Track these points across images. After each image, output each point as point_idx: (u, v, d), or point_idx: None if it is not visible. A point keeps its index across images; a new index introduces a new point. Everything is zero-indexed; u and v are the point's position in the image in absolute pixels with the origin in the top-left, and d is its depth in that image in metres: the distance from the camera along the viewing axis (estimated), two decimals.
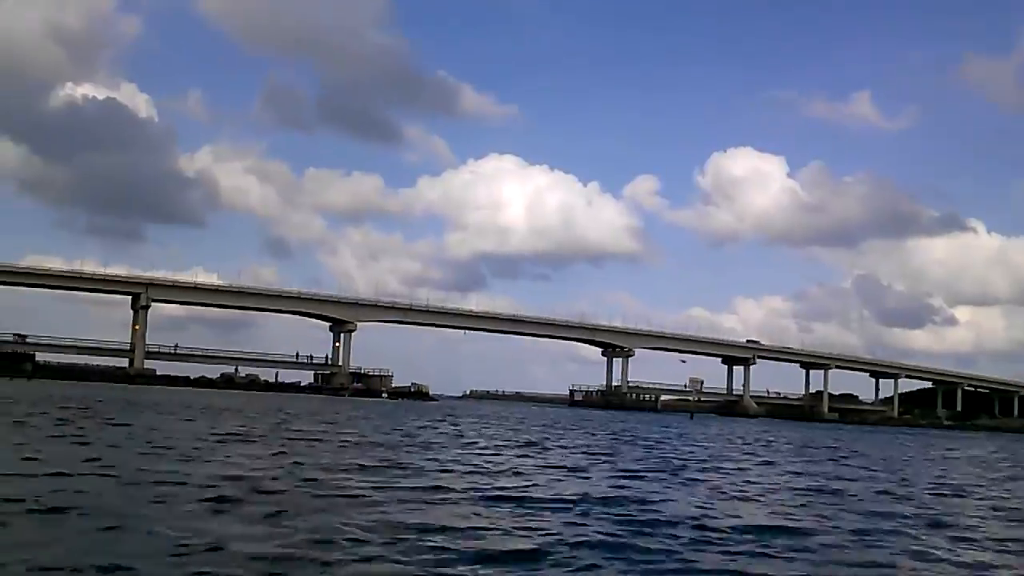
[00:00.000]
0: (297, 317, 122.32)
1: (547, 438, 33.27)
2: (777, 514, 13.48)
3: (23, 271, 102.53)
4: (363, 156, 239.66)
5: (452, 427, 38.00)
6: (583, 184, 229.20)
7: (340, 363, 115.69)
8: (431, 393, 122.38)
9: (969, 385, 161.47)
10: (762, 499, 15.65)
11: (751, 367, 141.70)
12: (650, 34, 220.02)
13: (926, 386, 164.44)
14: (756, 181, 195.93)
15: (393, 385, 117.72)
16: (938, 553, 10.81)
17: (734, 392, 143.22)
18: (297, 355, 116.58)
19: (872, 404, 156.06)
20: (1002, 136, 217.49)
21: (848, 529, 12.13)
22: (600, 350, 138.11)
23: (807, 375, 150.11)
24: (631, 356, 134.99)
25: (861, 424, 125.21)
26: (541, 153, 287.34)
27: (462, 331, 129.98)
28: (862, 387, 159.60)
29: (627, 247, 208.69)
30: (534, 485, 15.45)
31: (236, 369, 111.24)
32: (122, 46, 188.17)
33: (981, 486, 22.46)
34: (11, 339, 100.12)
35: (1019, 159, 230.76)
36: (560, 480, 16.96)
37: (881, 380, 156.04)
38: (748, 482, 18.98)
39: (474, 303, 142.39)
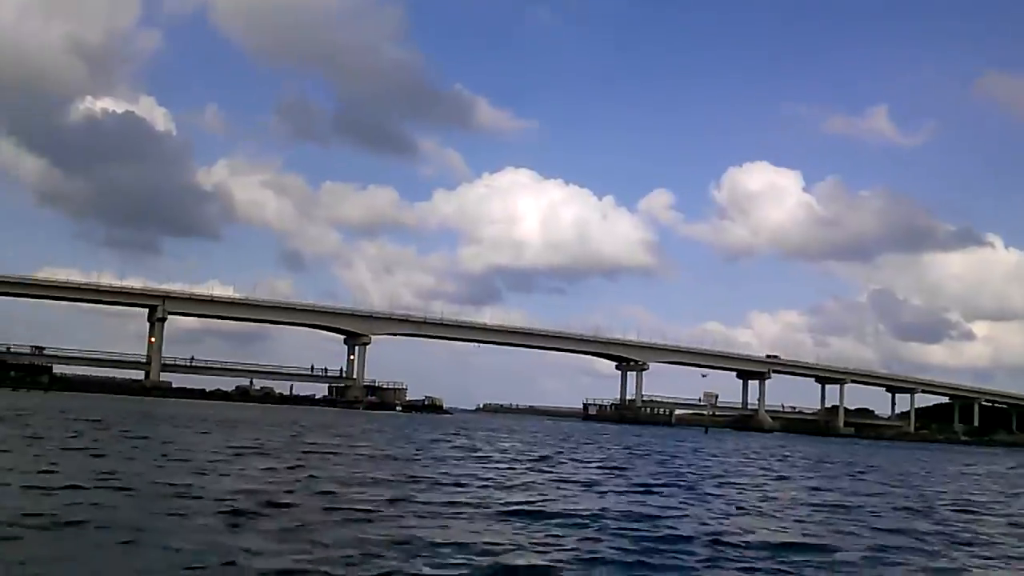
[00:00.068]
0: (312, 330, 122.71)
1: (561, 452, 33.18)
2: (794, 530, 13.39)
3: (41, 283, 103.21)
4: (379, 170, 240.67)
5: (466, 440, 37.96)
6: (598, 198, 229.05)
7: (354, 376, 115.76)
8: (445, 406, 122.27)
9: (987, 400, 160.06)
10: (779, 515, 15.56)
11: (766, 381, 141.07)
12: (666, 49, 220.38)
13: (943, 401, 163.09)
14: (772, 195, 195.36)
15: (407, 398, 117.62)
16: (956, 570, 10.71)
17: (749, 406, 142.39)
18: (312, 368, 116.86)
19: (888, 419, 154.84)
20: (1020, 151, 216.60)
21: (866, 545, 12.04)
22: (614, 364, 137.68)
23: (823, 390, 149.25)
24: (645, 370, 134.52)
25: (877, 439, 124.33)
26: (556, 167, 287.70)
27: (476, 344, 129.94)
28: (878, 402, 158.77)
29: (642, 261, 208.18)
30: (548, 500, 15.40)
31: (251, 382, 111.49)
32: (141, 60, 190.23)
33: (1000, 502, 22.25)
34: (28, 351, 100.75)
35: None
36: (574, 495, 16.90)
37: (897, 395, 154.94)
38: (764, 497, 18.86)
39: (488, 317, 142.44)
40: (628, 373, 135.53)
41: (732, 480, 23.99)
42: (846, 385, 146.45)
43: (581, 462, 27.60)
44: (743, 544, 11.49)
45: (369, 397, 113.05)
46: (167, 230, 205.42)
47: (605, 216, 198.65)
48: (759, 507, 16.68)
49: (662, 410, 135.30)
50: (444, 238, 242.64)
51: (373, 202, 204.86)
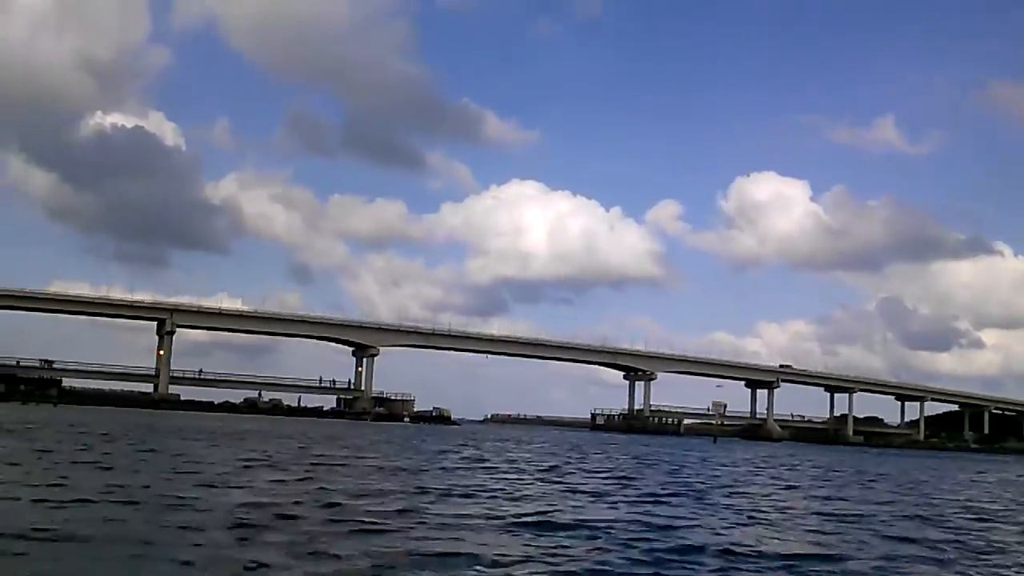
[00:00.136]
0: (320, 342, 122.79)
1: (569, 462, 33.10)
2: (806, 540, 13.32)
3: (51, 298, 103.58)
4: (386, 183, 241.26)
5: (474, 451, 37.90)
6: (605, 209, 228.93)
7: (362, 388, 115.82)
8: (453, 417, 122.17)
9: (996, 408, 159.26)
10: (789, 524, 15.48)
11: (775, 390, 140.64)
12: (671, 59, 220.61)
13: (953, 409, 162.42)
14: (779, 205, 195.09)
15: (415, 409, 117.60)
16: None
17: (758, 416, 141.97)
18: (320, 380, 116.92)
19: (898, 427, 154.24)
20: None
21: (878, 555, 11.96)
22: (622, 374, 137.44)
23: (831, 398, 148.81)
24: (653, 380, 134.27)
25: (887, 447, 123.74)
26: (563, 178, 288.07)
27: (484, 355, 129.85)
28: (887, 410, 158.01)
29: (649, 271, 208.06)
30: (557, 510, 15.35)
31: (259, 394, 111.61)
32: (151, 76, 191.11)
33: (1012, 510, 22.11)
34: (38, 365, 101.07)
35: None
36: (583, 505, 16.84)
37: (907, 403, 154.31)
38: (775, 507, 18.77)
39: (496, 328, 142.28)
40: (636, 383, 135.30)
41: (742, 490, 23.89)
42: (855, 394, 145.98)
43: (590, 472, 27.53)
44: (754, 554, 11.43)
45: (377, 408, 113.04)
46: (176, 244, 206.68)
47: (612, 227, 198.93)
48: (769, 517, 16.60)
49: (670, 420, 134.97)
50: (451, 250, 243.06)
51: (381, 215, 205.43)
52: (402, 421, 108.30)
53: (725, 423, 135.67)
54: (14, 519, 10.78)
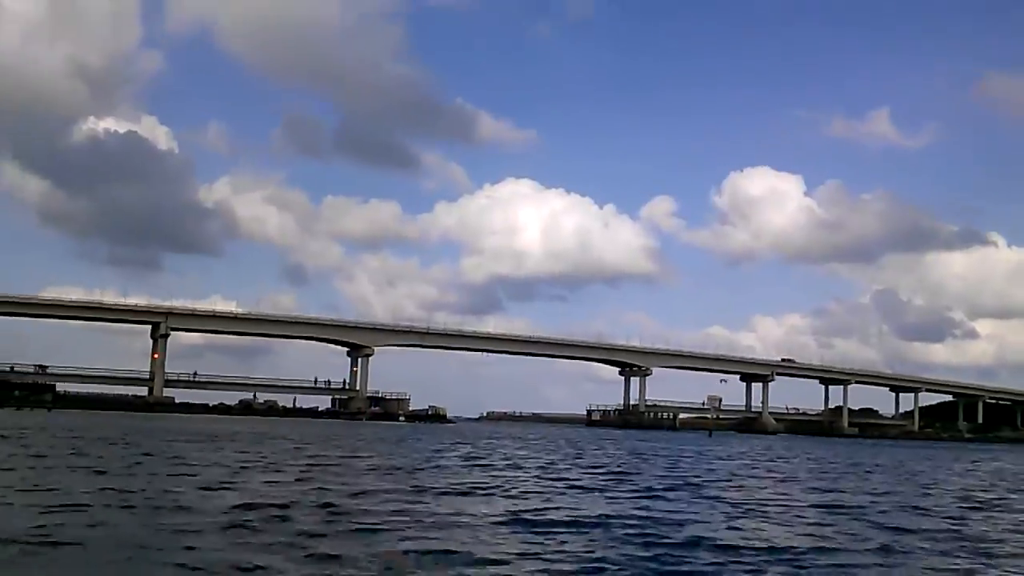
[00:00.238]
0: (315, 343, 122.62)
1: (565, 458, 33.09)
2: (803, 532, 13.32)
3: (45, 303, 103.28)
4: (381, 183, 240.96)
5: (470, 449, 37.88)
6: (599, 206, 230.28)
7: (358, 388, 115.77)
8: (448, 416, 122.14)
9: (991, 398, 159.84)
10: (786, 517, 15.48)
11: (770, 384, 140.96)
12: (664, 55, 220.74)
13: (947, 399, 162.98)
14: (773, 200, 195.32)
15: (410, 408, 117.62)
16: (967, 569, 10.64)
17: (753, 409, 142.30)
18: (315, 380, 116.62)
19: (892, 418, 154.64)
20: (1021, 150, 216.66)
21: (876, 545, 11.97)
22: (617, 370, 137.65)
23: (826, 391, 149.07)
24: (648, 375, 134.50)
25: (881, 439, 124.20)
26: (557, 177, 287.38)
27: (479, 354, 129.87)
28: (882, 402, 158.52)
29: (644, 268, 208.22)
30: (554, 507, 15.33)
31: (254, 395, 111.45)
32: (144, 81, 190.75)
33: (1007, 499, 22.16)
34: (32, 370, 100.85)
35: None
36: (580, 501, 16.82)
37: (901, 394, 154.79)
38: (771, 499, 18.78)
39: (491, 326, 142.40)
40: (631, 378, 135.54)
41: (738, 483, 23.92)
42: (850, 386, 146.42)
43: (586, 468, 27.52)
44: (751, 547, 11.42)
45: (372, 408, 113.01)
46: (170, 247, 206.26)
47: (607, 224, 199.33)
48: (766, 509, 16.60)
49: (666, 414, 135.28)
50: (446, 250, 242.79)
51: (375, 216, 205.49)
52: (398, 420, 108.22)
53: (720, 417, 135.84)
54: (8, 524, 10.72)
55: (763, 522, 14.61)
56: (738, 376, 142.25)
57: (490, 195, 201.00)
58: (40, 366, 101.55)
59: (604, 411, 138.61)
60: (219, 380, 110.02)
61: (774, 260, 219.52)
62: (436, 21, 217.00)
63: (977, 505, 19.82)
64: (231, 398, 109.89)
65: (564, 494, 18.20)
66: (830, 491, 22.07)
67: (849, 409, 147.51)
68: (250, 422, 74.62)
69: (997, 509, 19.13)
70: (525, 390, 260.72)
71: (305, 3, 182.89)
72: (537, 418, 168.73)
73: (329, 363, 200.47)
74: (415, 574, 8.98)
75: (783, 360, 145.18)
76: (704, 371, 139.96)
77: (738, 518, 14.98)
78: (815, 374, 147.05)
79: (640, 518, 14.09)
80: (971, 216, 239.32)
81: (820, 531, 13.56)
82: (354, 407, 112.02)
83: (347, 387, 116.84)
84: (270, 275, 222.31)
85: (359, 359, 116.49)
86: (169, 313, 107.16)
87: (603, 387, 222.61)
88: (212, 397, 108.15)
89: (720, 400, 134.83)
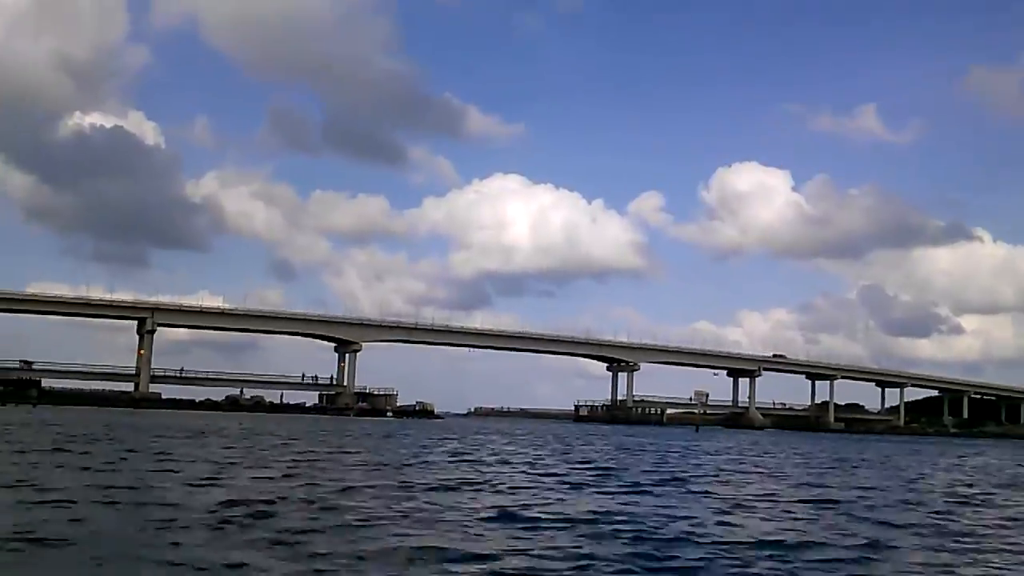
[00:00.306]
0: (302, 339, 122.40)
1: (553, 454, 33.10)
2: (789, 527, 13.33)
3: (29, 298, 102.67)
4: (369, 178, 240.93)
5: (458, 445, 37.84)
6: (588, 201, 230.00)
7: (345, 383, 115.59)
8: (436, 411, 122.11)
9: (976, 393, 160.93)
10: (773, 511, 15.50)
11: (757, 379, 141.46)
12: (653, 51, 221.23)
13: (932, 395, 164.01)
14: (761, 195, 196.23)
15: (398, 404, 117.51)
16: (952, 564, 10.68)
17: (740, 404, 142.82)
18: (303, 376, 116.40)
19: (878, 413, 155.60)
20: (1007, 145, 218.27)
21: (862, 540, 11.99)
22: (605, 365, 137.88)
23: (813, 386, 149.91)
24: (636, 371, 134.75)
25: (867, 433, 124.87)
26: (546, 171, 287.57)
27: (467, 349, 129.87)
28: (868, 397, 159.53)
29: (632, 263, 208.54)
30: (541, 502, 15.30)
31: (241, 391, 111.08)
32: (130, 75, 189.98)
33: (992, 494, 22.28)
34: (17, 366, 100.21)
35: None
36: (568, 497, 16.81)
37: (887, 389, 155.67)
38: (757, 494, 18.81)
39: (479, 321, 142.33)
40: (619, 374, 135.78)
41: (725, 478, 23.97)
42: (836, 381, 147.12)
43: (574, 463, 27.52)
44: (738, 542, 11.43)
45: (360, 404, 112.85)
46: (156, 243, 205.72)
47: (595, 219, 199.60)
48: (753, 504, 16.63)
49: (653, 410, 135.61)
50: (434, 245, 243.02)
51: (363, 210, 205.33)
52: (385, 416, 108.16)
53: (708, 412, 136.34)
54: None
55: (750, 517, 14.63)
56: (725, 371, 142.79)
57: (478, 190, 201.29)
58: (25, 362, 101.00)
59: (592, 407, 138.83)
60: (206, 376, 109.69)
61: (761, 255, 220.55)
62: (424, 15, 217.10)
63: (963, 500, 19.91)
64: (218, 394, 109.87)
65: (552, 489, 18.18)
66: (817, 486, 22.14)
67: (835, 404, 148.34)
68: (237, 418, 74.39)
69: (982, 504, 19.22)
70: (513, 386, 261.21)
71: None
72: (525, 414, 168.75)
73: (316, 359, 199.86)
74: (403, 570, 8.94)
75: (774, 356, 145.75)
76: (692, 367, 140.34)
77: (725, 513, 15.00)
78: (802, 369, 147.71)
79: (628, 513, 14.09)
80: (957, 211, 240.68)
81: (807, 526, 13.59)
82: (341, 403, 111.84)
83: (334, 383, 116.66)
84: (257, 270, 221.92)
85: (346, 355, 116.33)
86: (155, 309, 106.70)
87: (591, 383, 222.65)
88: (199, 393, 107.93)
89: (707, 395, 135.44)
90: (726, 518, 14.25)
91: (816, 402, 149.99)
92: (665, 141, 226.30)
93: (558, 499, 16.23)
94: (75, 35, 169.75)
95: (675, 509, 15.21)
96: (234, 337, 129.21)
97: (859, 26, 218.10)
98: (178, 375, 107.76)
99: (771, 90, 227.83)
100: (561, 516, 13.39)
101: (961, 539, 12.85)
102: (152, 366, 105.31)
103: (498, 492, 17.01)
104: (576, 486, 19.22)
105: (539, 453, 33.55)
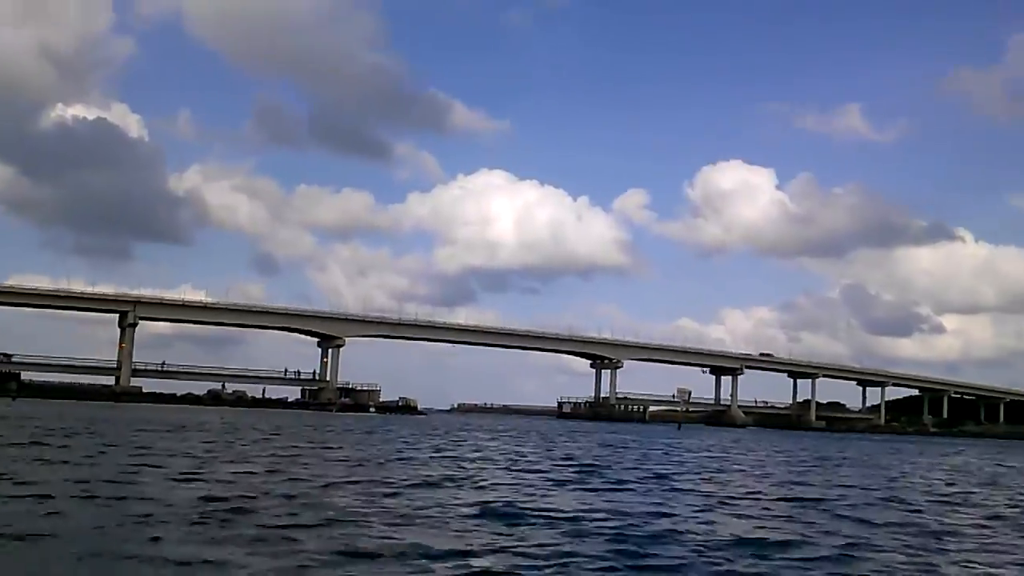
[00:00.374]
0: (285, 333, 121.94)
1: (536, 451, 33.10)
2: (770, 525, 13.36)
3: (8, 290, 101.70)
4: (353, 173, 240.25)
5: (440, 441, 37.79)
6: (573, 198, 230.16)
7: (328, 378, 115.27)
8: (419, 407, 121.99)
9: (955, 392, 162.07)
10: (753, 510, 15.53)
11: (739, 377, 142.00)
12: (638, 49, 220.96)
13: (913, 394, 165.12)
14: (745, 193, 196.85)
15: (381, 400, 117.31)
16: (932, 563, 10.73)
17: (722, 402, 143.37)
18: (285, 371, 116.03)
19: (859, 412, 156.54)
20: (990, 146, 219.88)
21: (842, 539, 12.03)
22: (589, 362, 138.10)
23: (795, 384, 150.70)
24: (620, 368, 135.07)
25: (848, 432, 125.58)
26: (531, 168, 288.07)
27: (450, 345, 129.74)
28: (849, 396, 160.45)
29: (616, 260, 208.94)
30: (523, 499, 15.28)
31: (223, 386, 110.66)
32: (114, 67, 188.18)
33: (971, 493, 22.44)
34: None
35: (1006, 168, 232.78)
36: (549, 494, 16.80)
37: (868, 388, 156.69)
38: (738, 492, 18.86)
39: (463, 317, 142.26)
40: (602, 371, 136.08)
41: (706, 475, 24.02)
42: (818, 380, 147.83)
43: (556, 460, 27.53)
44: (718, 540, 11.44)
45: (342, 399, 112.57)
46: (139, 236, 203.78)
47: (580, 216, 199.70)
48: (734, 502, 16.66)
49: (636, 407, 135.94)
50: (418, 240, 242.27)
51: (347, 205, 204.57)
52: (368, 411, 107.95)
53: (690, 410, 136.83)
54: None
55: (732, 515, 14.66)
56: (708, 369, 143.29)
57: (463, 186, 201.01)
58: (5, 354, 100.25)
59: (575, 403, 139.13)
60: (188, 370, 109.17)
61: (745, 253, 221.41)
62: (410, 10, 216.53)
63: (942, 499, 20.03)
64: (200, 388, 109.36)
65: (534, 486, 18.16)
66: (798, 484, 22.23)
67: (817, 403, 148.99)
68: (218, 412, 74.06)
69: (962, 503, 19.34)
70: (496, 382, 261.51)
71: None
72: (508, 410, 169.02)
73: (299, 353, 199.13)
74: (385, 567, 8.90)
75: (761, 354, 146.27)
76: (675, 364, 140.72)
77: (708, 511, 15.02)
78: (784, 367, 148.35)
79: (610, 511, 14.08)
80: (939, 211, 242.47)
81: (788, 524, 13.63)
82: (324, 398, 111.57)
83: (317, 378, 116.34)
84: (240, 264, 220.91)
85: (329, 350, 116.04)
86: (137, 302, 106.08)
87: (574, 379, 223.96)
88: (180, 387, 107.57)
89: (689, 393, 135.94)
90: (708, 516, 14.28)
91: (798, 400, 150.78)
92: (650, 139, 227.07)
93: (541, 496, 16.21)
94: (59, 26, 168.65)
95: (657, 507, 15.23)
96: (216, 331, 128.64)
97: (844, 26, 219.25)
98: (160, 369, 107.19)
99: (756, 89, 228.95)
100: (544, 513, 13.37)
101: (942, 537, 12.92)
102: (133, 360, 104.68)
103: (480, 489, 16.97)
104: (559, 483, 19.22)
105: (522, 450, 33.54)
